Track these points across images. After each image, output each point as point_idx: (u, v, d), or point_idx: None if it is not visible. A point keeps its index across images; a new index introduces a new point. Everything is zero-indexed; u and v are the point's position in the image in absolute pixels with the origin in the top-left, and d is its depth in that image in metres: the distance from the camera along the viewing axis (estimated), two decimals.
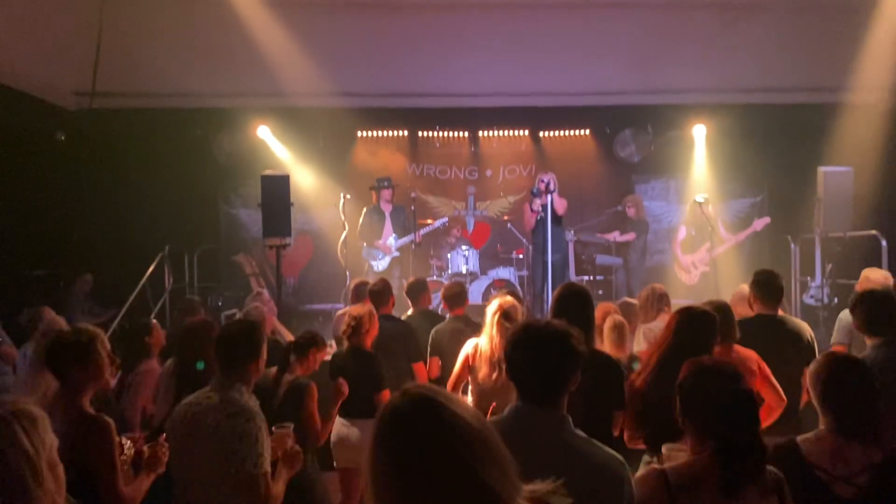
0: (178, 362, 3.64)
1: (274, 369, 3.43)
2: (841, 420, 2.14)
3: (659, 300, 4.51)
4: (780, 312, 4.00)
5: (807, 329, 3.89)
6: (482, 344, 3.63)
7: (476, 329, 4.08)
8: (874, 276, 4.65)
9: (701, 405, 1.92)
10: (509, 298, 3.70)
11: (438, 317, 5.18)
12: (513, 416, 1.94)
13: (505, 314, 3.55)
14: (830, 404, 2.17)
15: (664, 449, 2.44)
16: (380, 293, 4.78)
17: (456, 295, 4.80)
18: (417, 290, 5.23)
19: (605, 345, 3.90)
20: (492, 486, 1.20)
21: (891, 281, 4.63)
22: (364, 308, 4.19)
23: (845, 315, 4.09)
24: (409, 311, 5.27)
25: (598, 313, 4.14)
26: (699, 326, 2.87)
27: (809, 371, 2.30)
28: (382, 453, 1.22)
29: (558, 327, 2.00)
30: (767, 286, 3.90)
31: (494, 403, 3.06)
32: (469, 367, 3.68)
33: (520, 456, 1.74)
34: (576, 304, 3.04)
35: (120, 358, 2.87)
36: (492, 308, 3.63)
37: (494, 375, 3.46)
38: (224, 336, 2.70)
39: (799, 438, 2.21)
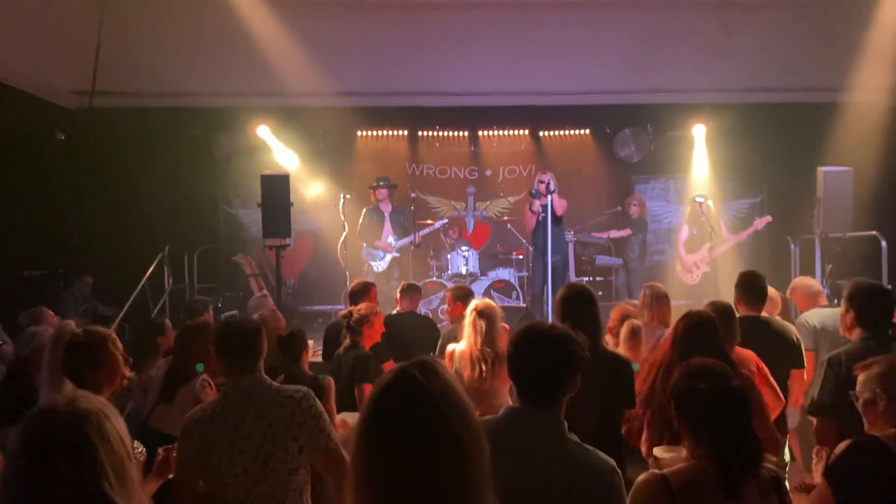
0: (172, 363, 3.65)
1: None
2: None
3: (658, 300, 4.49)
4: (767, 313, 4.03)
5: (792, 330, 3.89)
6: (461, 346, 3.69)
7: None
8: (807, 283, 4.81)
9: (693, 406, 1.92)
10: (486, 300, 3.83)
11: (421, 318, 5.32)
12: (508, 417, 1.95)
13: (479, 313, 3.63)
14: None
15: (656, 451, 2.45)
16: (356, 295, 4.85)
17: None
18: (407, 292, 5.35)
19: (621, 348, 3.89)
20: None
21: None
22: (368, 305, 4.26)
23: (809, 318, 4.11)
24: (396, 310, 5.35)
25: (615, 315, 4.16)
26: (701, 332, 2.88)
27: (879, 372, 2.29)
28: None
29: (560, 331, 2.01)
30: (750, 287, 3.91)
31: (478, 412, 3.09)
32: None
33: (512, 456, 1.76)
34: (581, 304, 3.02)
35: (131, 357, 2.87)
36: (469, 309, 3.73)
37: (477, 373, 3.53)
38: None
39: (880, 435, 2.17)
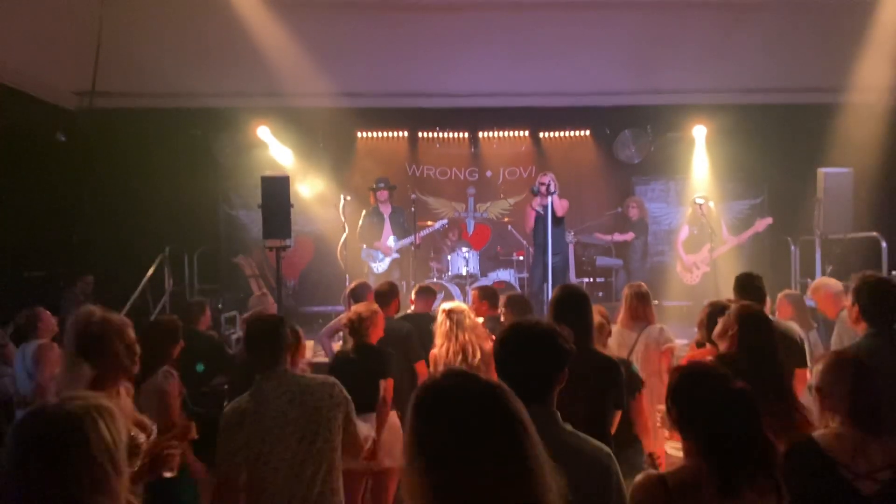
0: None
1: None
2: (861, 417, 2.14)
3: (636, 300, 4.49)
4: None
5: (796, 330, 3.89)
6: (437, 350, 3.94)
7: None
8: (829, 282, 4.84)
9: (692, 409, 1.91)
10: (456, 302, 4.10)
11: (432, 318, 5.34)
12: None
13: (448, 314, 3.91)
14: (853, 402, 2.16)
15: (667, 447, 2.45)
16: (384, 295, 4.81)
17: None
18: (423, 294, 5.38)
19: None
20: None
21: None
22: (367, 305, 4.26)
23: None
24: (411, 309, 5.35)
25: None
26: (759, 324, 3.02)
27: (818, 370, 2.30)
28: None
29: (546, 326, 2.07)
30: (748, 288, 3.96)
31: None
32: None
33: None
34: (574, 305, 3.04)
35: None
36: (440, 312, 4.00)
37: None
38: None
39: (815, 435, 2.20)
